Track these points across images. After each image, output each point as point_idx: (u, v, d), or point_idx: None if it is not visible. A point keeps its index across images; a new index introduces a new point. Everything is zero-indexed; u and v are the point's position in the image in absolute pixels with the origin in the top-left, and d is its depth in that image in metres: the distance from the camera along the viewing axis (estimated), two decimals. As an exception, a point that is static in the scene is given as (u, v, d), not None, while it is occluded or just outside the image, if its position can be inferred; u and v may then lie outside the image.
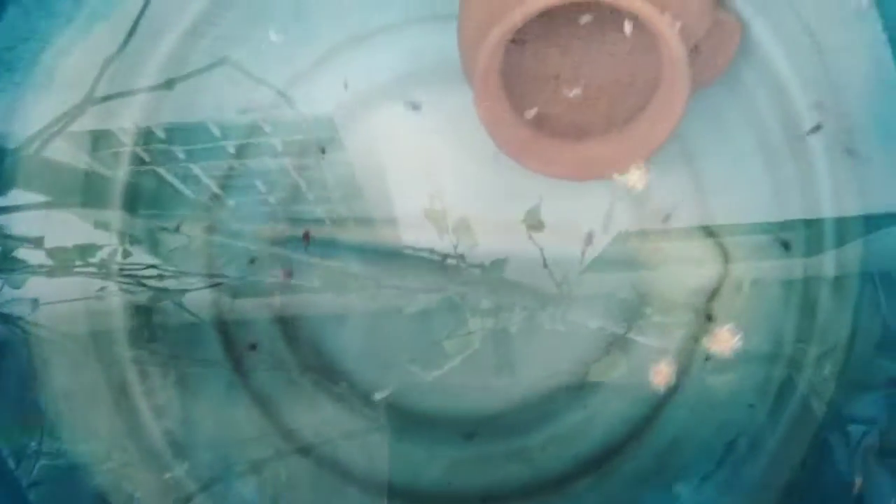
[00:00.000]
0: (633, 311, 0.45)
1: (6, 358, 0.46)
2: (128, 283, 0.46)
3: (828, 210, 0.44)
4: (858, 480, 0.42)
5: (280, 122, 0.45)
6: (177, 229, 0.46)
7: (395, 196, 0.46)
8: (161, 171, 0.46)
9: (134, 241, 0.46)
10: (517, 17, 0.35)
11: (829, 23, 0.42)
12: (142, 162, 0.46)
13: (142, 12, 0.44)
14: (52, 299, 0.46)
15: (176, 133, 0.46)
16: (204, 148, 0.46)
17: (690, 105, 0.38)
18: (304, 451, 0.47)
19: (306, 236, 0.45)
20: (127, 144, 0.45)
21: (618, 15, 0.39)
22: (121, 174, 0.46)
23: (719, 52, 0.40)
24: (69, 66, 0.44)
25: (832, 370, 0.44)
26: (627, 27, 0.39)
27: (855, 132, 0.43)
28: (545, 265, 0.45)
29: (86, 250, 0.46)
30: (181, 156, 0.46)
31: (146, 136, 0.45)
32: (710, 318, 0.44)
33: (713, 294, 0.45)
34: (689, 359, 0.45)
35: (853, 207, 0.44)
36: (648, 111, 0.40)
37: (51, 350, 0.46)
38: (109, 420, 0.46)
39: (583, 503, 0.46)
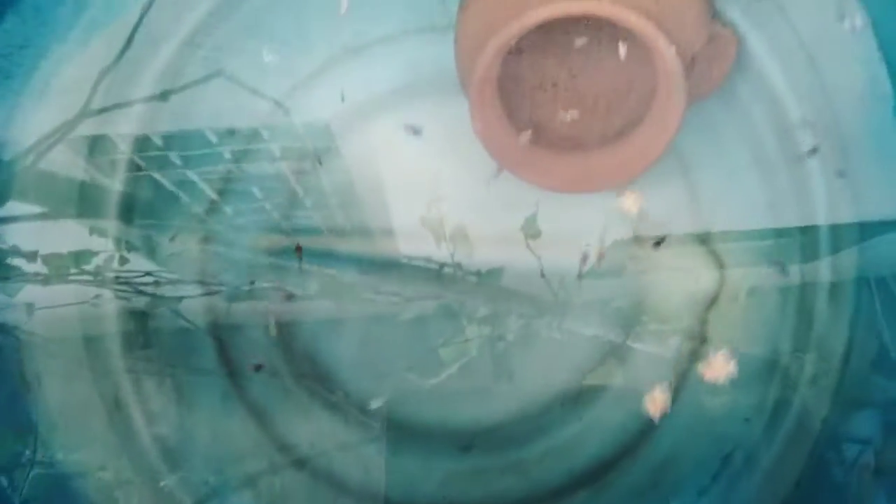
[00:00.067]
0: (630, 319, 0.45)
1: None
2: (123, 291, 0.46)
3: (823, 221, 0.44)
4: None
5: (278, 129, 0.45)
6: (172, 240, 0.46)
7: (392, 205, 0.46)
8: (158, 176, 0.46)
9: (130, 247, 0.46)
10: (514, 29, 0.35)
11: (824, 37, 0.42)
12: (138, 168, 0.46)
13: (138, 23, 0.44)
14: (46, 308, 0.46)
15: (173, 139, 0.46)
16: (201, 154, 0.46)
17: (686, 118, 0.38)
18: (300, 463, 0.47)
19: (298, 249, 0.45)
20: (124, 150, 0.45)
21: (615, 25, 0.39)
22: (117, 184, 0.46)
23: (715, 65, 0.40)
24: (66, 76, 0.44)
25: (828, 386, 0.44)
26: (622, 49, 0.40)
27: (847, 150, 0.43)
28: (542, 274, 0.45)
29: (81, 257, 0.46)
30: (177, 161, 0.46)
31: (143, 142, 0.45)
32: (704, 339, 0.44)
33: (710, 302, 0.45)
34: (685, 372, 0.45)
35: (847, 216, 0.44)
36: (644, 124, 0.40)
37: (44, 359, 0.46)
38: (103, 432, 0.46)
39: (579, 517, 0.46)
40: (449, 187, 0.45)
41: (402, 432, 0.46)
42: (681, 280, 0.45)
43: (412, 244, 0.46)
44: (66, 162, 0.45)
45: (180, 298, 0.46)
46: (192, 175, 0.46)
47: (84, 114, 0.44)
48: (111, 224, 0.46)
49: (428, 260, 0.46)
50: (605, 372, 0.46)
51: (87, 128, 0.45)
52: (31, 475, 0.46)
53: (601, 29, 0.41)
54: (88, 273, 0.46)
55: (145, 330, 0.46)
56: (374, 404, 0.46)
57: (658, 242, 0.44)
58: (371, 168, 0.46)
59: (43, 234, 0.46)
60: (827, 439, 0.44)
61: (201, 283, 0.46)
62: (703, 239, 0.45)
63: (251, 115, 0.45)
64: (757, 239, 0.45)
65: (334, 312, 0.46)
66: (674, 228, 0.45)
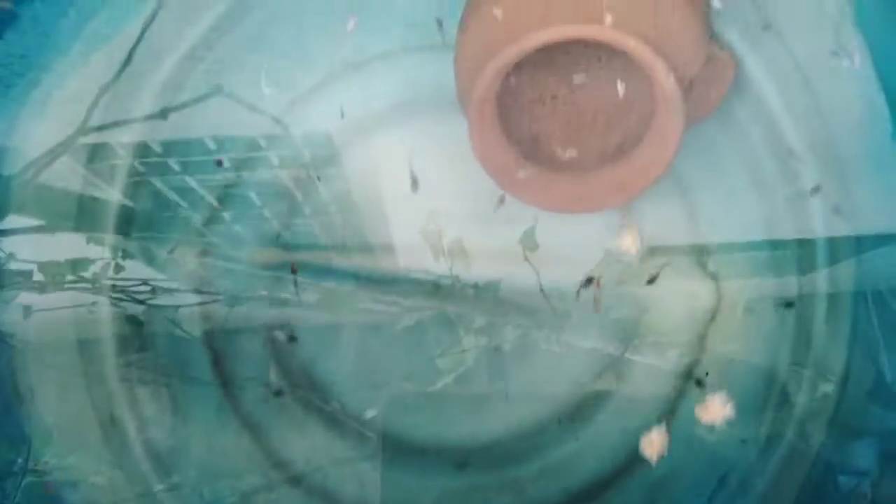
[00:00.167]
0: (628, 332, 0.46)
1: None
2: (120, 299, 0.46)
3: (821, 240, 0.44)
4: None
5: (277, 138, 0.45)
6: (171, 253, 0.46)
7: (391, 218, 0.46)
8: (157, 182, 0.46)
9: (127, 255, 0.46)
10: (513, 53, 0.35)
11: (820, 60, 0.43)
12: (137, 174, 0.46)
13: (140, 38, 0.44)
14: (43, 314, 0.46)
15: (172, 147, 0.46)
16: (200, 160, 0.46)
17: (684, 140, 0.38)
18: (295, 480, 0.46)
19: (294, 271, 0.45)
20: (123, 157, 0.45)
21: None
22: (115, 196, 0.46)
23: (713, 88, 0.40)
24: (68, 89, 0.44)
25: (824, 413, 0.44)
26: (621, 88, 0.40)
27: (846, 181, 0.43)
28: (540, 287, 0.45)
29: (78, 264, 0.46)
30: (176, 168, 0.46)
31: (143, 149, 0.45)
32: (699, 383, 0.45)
33: (708, 316, 0.45)
34: (682, 392, 0.45)
35: (845, 231, 0.44)
36: (643, 145, 0.40)
37: (39, 368, 0.46)
38: (97, 444, 0.46)
39: (574, 535, 0.46)
40: (447, 201, 0.45)
41: (397, 449, 0.46)
42: (679, 294, 0.45)
43: (410, 257, 0.46)
44: (65, 172, 0.45)
45: (177, 307, 0.46)
46: (191, 181, 0.46)
47: (83, 130, 0.44)
48: (109, 237, 0.46)
49: (426, 272, 0.46)
50: (604, 385, 0.46)
51: (88, 138, 0.45)
52: (23, 483, 0.45)
53: (601, 46, 0.41)
54: (86, 280, 0.46)
55: (141, 336, 0.46)
56: (370, 414, 0.46)
57: (651, 280, 0.45)
58: (370, 182, 0.46)
59: (40, 243, 0.46)
60: (823, 468, 0.44)
61: (198, 292, 0.46)
62: (701, 252, 0.45)
63: (251, 131, 0.45)
64: (754, 250, 0.45)
65: (331, 323, 0.46)
66: (672, 245, 0.45)
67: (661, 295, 0.45)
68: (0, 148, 0.45)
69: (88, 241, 0.46)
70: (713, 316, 0.45)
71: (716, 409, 0.43)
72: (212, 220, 0.46)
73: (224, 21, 0.44)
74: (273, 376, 0.47)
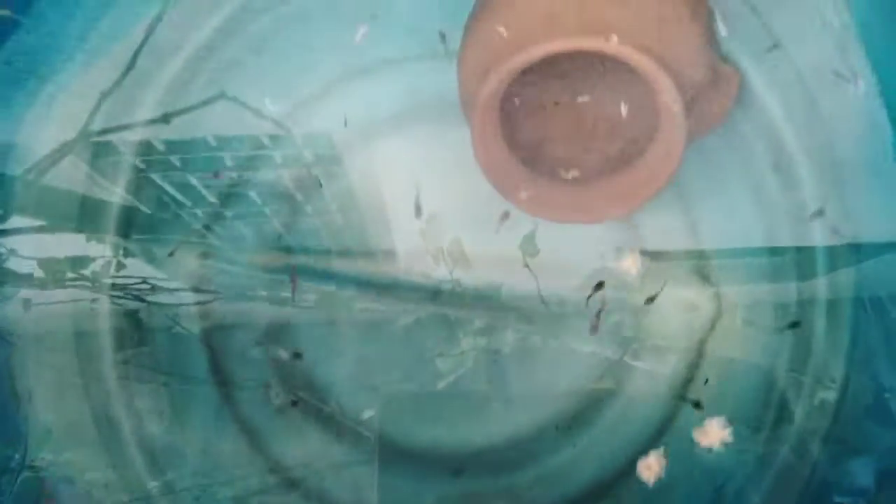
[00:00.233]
0: (627, 336, 0.46)
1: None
2: (120, 297, 0.46)
3: (820, 249, 0.45)
4: None
5: (279, 139, 0.45)
6: (171, 255, 0.46)
7: (392, 223, 0.46)
8: (158, 180, 0.46)
9: (128, 253, 0.46)
10: (517, 64, 0.35)
11: (823, 75, 0.43)
12: (140, 171, 0.46)
13: (144, 41, 0.44)
14: (41, 308, 0.46)
15: (174, 146, 0.46)
16: (202, 158, 0.46)
17: (687, 153, 0.38)
18: (292, 484, 0.47)
19: (294, 280, 0.46)
20: (126, 153, 0.45)
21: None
22: (116, 197, 0.46)
23: (717, 102, 0.40)
24: (71, 90, 0.44)
25: (822, 426, 0.44)
26: (624, 109, 0.40)
27: (848, 208, 0.43)
28: (540, 291, 0.45)
29: (78, 262, 0.46)
30: (178, 165, 0.46)
31: (146, 147, 0.45)
32: (697, 405, 0.45)
33: (708, 322, 0.45)
34: (679, 401, 0.46)
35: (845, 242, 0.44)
36: (646, 157, 0.40)
37: (36, 365, 0.46)
38: (93, 443, 0.46)
39: (569, 543, 0.46)
40: (448, 207, 0.45)
41: (394, 454, 0.46)
42: (679, 299, 0.45)
43: (411, 261, 0.46)
44: (67, 172, 0.45)
45: (177, 306, 0.46)
46: (192, 179, 0.46)
47: (85, 134, 0.44)
48: (111, 238, 0.46)
49: (426, 276, 0.46)
50: (602, 391, 0.46)
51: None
52: (19, 479, 0.46)
53: (606, 57, 0.41)
54: (86, 278, 0.46)
55: (139, 333, 0.46)
56: (368, 414, 0.46)
57: (650, 300, 0.45)
58: (371, 187, 0.46)
59: (41, 242, 0.46)
60: (819, 486, 0.44)
61: (198, 291, 0.46)
62: (700, 257, 0.45)
63: (254, 133, 0.45)
64: (751, 256, 0.45)
65: (330, 323, 0.46)
66: (672, 251, 0.45)
67: (661, 302, 0.45)
68: (5, 148, 0.45)
69: (89, 240, 0.46)
70: (713, 324, 0.45)
71: (714, 433, 0.43)
72: (214, 220, 0.46)
73: (228, 26, 0.44)
74: (273, 382, 0.47)
